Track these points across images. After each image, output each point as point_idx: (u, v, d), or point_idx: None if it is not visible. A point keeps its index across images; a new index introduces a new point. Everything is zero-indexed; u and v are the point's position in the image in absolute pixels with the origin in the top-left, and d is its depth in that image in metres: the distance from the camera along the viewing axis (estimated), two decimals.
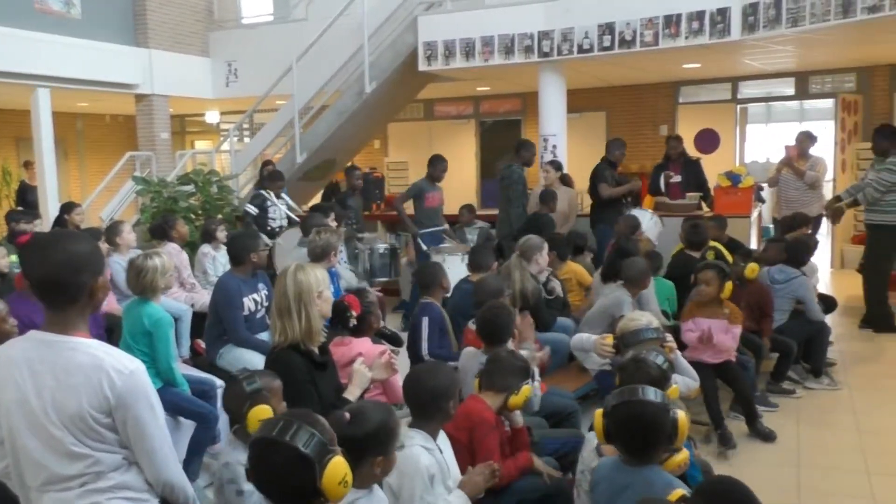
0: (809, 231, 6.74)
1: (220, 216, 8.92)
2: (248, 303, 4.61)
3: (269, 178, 8.39)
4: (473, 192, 13.58)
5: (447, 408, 2.73)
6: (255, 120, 13.32)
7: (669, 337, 3.69)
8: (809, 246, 5.99)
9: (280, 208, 8.00)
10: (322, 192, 12.30)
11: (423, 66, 9.33)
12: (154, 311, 3.93)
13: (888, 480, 3.96)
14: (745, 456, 4.32)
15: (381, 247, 7.68)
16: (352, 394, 3.15)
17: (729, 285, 4.65)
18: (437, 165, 7.54)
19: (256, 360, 4.15)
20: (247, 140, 13.83)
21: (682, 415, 2.45)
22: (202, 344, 5.18)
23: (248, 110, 10.91)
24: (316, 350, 3.25)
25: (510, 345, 3.96)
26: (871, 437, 4.52)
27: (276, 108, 11.13)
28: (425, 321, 4.54)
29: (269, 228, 7.88)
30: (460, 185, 12.00)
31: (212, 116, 14.64)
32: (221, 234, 6.64)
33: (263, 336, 4.52)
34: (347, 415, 2.14)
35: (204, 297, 5.90)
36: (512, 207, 7.15)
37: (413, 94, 11.38)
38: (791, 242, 5.96)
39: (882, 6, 6.43)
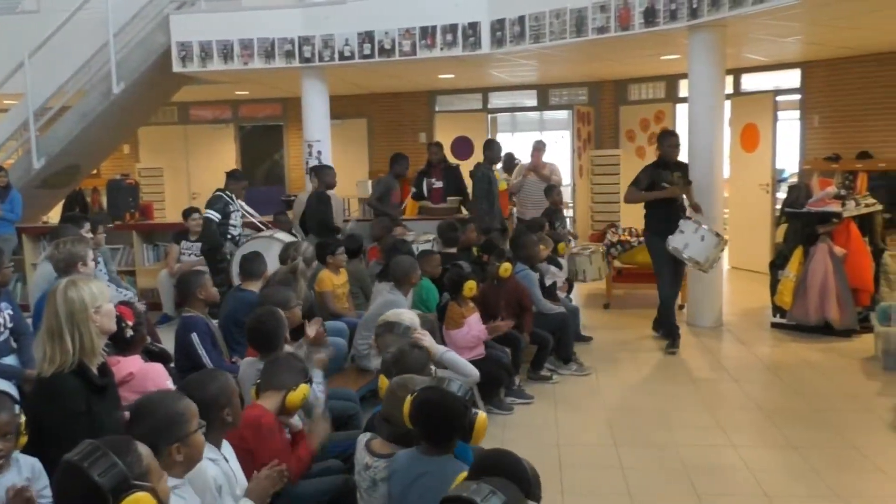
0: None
1: None
2: None
3: (231, 177, 7.42)
4: None
5: (223, 415, 2.66)
6: None
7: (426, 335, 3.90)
8: (529, 242, 6.13)
9: (238, 214, 7.31)
10: (64, 201, 11.27)
11: (177, 68, 8.92)
12: None
13: (631, 450, 4.48)
14: (511, 443, 4.62)
15: None
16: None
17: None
18: (401, 163, 8.17)
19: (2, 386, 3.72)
20: None
21: (481, 417, 2.61)
22: None
23: None
24: (95, 371, 2.99)
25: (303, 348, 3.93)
26: (615, 413, 5.10)
27: (5, 108, 10.00)
28: (195, 337, 4.34)
29: (229, 237, 7.21)
30: None
31: None
32: None
33: (9, 360, 4.08)
34: (127, 414, 2.03)
35: None
36: (479, 204, 7.50)
37: (167, 96, 10.83)
38: (513, 240, 6.37)
39: (608, 28, 7.25)
